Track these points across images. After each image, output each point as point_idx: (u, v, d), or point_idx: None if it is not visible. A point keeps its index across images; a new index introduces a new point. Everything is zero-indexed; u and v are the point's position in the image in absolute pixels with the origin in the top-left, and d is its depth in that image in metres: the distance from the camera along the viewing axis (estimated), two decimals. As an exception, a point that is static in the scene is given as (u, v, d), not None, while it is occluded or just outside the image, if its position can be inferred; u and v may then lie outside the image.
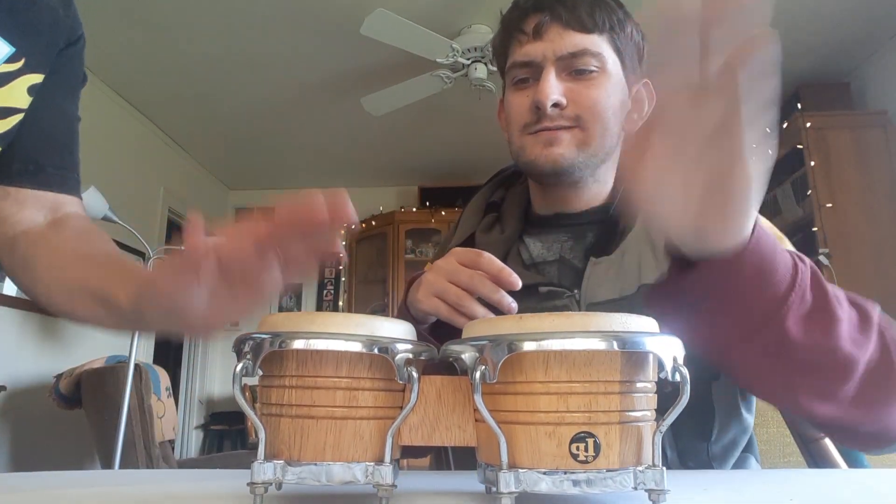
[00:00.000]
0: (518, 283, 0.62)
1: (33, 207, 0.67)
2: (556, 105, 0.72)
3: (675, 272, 0.51)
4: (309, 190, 0.41)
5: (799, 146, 3.08)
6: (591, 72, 0.73)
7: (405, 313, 0.70)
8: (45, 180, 0.68)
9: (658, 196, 0.45)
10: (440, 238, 4.64)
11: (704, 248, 0.47)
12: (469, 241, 0.84)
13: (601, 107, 0.73)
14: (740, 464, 0.73)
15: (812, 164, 3.02)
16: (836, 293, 0.52)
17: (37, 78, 0.65)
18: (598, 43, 0.73)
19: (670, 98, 0.42)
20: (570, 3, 0.73)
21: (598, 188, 0.79)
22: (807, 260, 0.52)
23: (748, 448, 0.75)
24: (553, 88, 0.71)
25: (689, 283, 0.49)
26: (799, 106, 3.19)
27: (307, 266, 0.47)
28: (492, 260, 0.63)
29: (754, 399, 0.74)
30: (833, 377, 0.51)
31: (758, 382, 0.55)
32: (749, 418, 0.72)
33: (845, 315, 0.51)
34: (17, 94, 0.63)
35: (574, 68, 0.73)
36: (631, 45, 0.77)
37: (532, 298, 0.72)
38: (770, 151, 0.42)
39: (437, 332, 0.69)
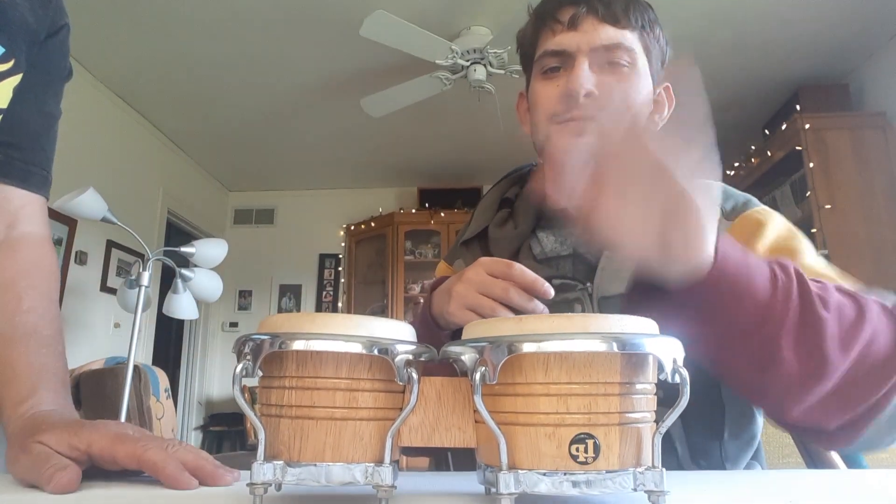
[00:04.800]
0: (551, 293, 0.62)
1: None
2: (588, 95, 0.72)
3: (649, 294, 0.51)
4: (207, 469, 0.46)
5: (798, 148, 3.08)
6: (622, 66, 0.73)
7: (430, 323, 0.71)
8: (8, 173, 0.66)
9: (619, 228, 0.46)
10: (439, 240, 4.64)
11: (671, 271, 0.47)
12: (482, 236, 0.85)
13: (630, 101, 0.73)
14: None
15: (811, 165, 3.02)
16: (823, 293, 0.52)
17: (20, 78, 0.64)
18: (631, 39, 0.74)
19: (609, 145, 0.45)
20: None
21: None
22: (789, 264, 0.52)
23: (755, 456, 0.75)
24: (586, 78, 0.72)
25: (667, 304, 0.50)
26: (798, 107, 3.19)
27: None
28: (523, 271, 0.62)
29: None
30: (809, 381, 0.51)
31: (737, 385, 0.56)
32: (759, 416, 0.72)
33: (832, 315, 0.51)
34: (2, 95, 0.63)
35: (606, 61, 0.73)
36: (658, 46, 0.78)
37: None
38: (715, 169, 0.44)
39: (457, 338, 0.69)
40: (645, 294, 0.52)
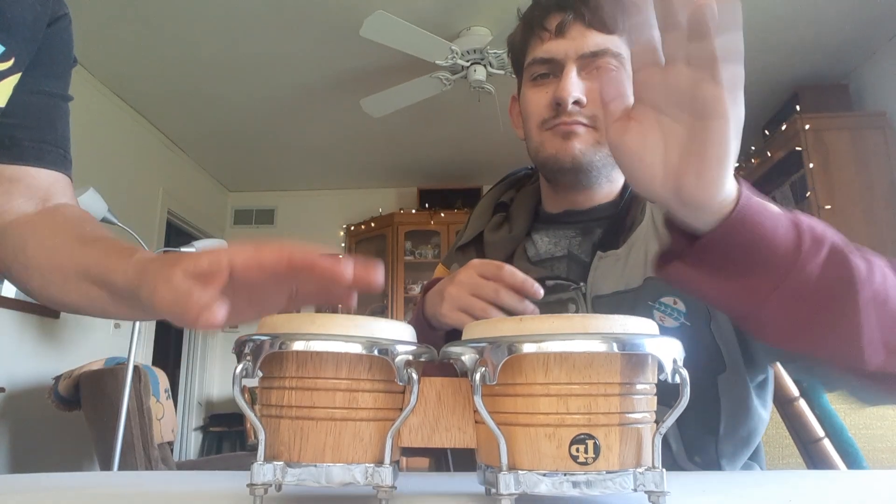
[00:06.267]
0: (541, 293, 0.63)
1: (22, 195, 0.65)
2: (576, 102, 0.72)
3: (682, 242, 0.50)
4: (343, 256, 0.42)
5: (798, 148, 3.08)
6: (612, 72, 0.73)
7: (423, 323, 0.71)
8: (20, 154, 0.65)
9: (639, 158, 0.47)
10: (439, 240, 4.65)
11: (686, 205, 0.46)
12: (477, 241, 0.85)
13: None
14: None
15: (811, 165, 3.02)
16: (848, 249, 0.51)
17: (19, 77, 0.64)
18: (619, 44, 0.74)
19: (645, 67, 0.45)
20: (592, 4, 0.73)
21: (609, 188, 0.80)
22: (812, 222, 0.51)
23: (753, 457, 0.75)
24: (574, 86, 0.72)
25: (699, 251, 0.48)
26: (798, 108, 3.19)
27: (313, 302, 0.48)
28: (514, 272, 0.63)
29: (770, 392, 0.74)
30: (847, 329, 0.49)
31: (792, 339, 0.52)
32: (764, 414, 0.71)
33: (864, 264, 0.50)
34: (2, 94, 0.62)
35: (595, 67, 0.73)
36: None
37: None
38: (741, 103, 0.43)
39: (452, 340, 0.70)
40: (673, 254, 0.51)
